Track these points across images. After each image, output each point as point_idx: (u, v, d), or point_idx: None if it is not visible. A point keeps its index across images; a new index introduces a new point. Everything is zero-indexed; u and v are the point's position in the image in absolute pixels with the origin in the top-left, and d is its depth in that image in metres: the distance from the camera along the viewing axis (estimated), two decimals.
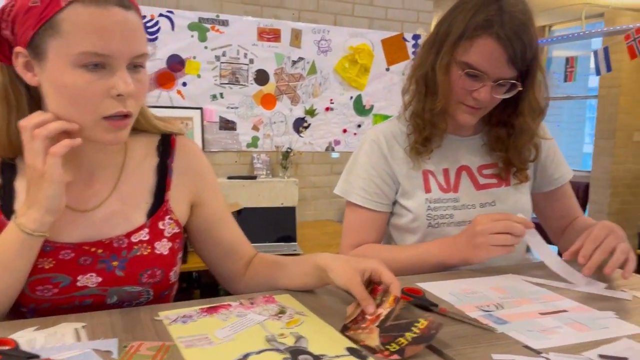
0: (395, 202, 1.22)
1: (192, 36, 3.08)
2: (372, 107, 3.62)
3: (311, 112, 3.47)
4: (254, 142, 3.33)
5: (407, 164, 1.19)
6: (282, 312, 0.84)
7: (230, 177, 3.17)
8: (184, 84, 3.11)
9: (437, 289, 0.96)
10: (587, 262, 0.98)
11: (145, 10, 2.93)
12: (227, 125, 3.25)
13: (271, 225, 2.84)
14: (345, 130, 3.58)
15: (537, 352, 0.71)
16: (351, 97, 3.57)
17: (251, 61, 3.25)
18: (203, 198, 1.00)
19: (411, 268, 1.09)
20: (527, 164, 1.21)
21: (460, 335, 0.76)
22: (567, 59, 4.89)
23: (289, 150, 3.34)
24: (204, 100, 3.16)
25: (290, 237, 2.83)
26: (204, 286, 3.17)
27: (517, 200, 1.21)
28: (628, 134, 5.04)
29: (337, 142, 3.57)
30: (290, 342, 0.73)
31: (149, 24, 2.95)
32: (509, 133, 1.18)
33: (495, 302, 0.89)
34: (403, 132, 1.21)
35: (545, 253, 1.04)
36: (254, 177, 3.21)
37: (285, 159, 3.32)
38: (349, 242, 1.22)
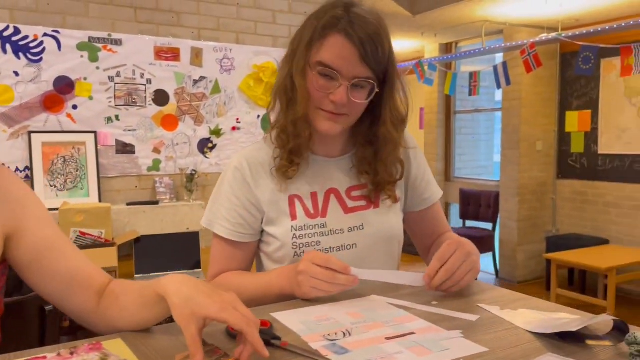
0: (262, 231, 1.16)
1: (81, 56, 2.92)
2: None
3: (217, 132, 3.38)
4: (156, 166, 3.19)
5: (273, 190, 1.13)
6: None
7: (129, 204, 3.01)
8: (75, 107, 2.93)
9: (289, 318, 0.91)
10: (431, 281, 1.00)
11: (27, 30, 2.74)
12: (125, 148, 3.09)
13: (174, 253, 2.71)
14: None
15: None
16: (258, 116, 3.51)
17: (149, 81, 3.12)
18: (22, 227, 0.89)
19: (260, 297, 1.03)
20: (395, 181, 1.19)
21: None
22: (471, 74, 5.10)
23: (194, 172, 3.23)
24: (98, 123, 3.00)
25: (194, 264, 2.71)
26: None
27: (386, 222, 1.18)
28: (531, 144, 5.30)
29: None
30: None
31: (32, 45, 2.76)
32: (375, 151, 1.16)
33: (345, 329, 0.85)
34: (269, 156, 1.15)
35: (378, 275, 1.03)
36: (156, 202, 3.06)
37: (190, 182, 3.20)
38: (211, 272, 1.16)
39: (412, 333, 0.84)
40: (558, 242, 4.87)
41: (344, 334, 0.83)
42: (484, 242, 5.08)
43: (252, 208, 1.13)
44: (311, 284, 0.96)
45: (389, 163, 1.16)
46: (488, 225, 5.36)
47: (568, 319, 0.87)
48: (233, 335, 0.82)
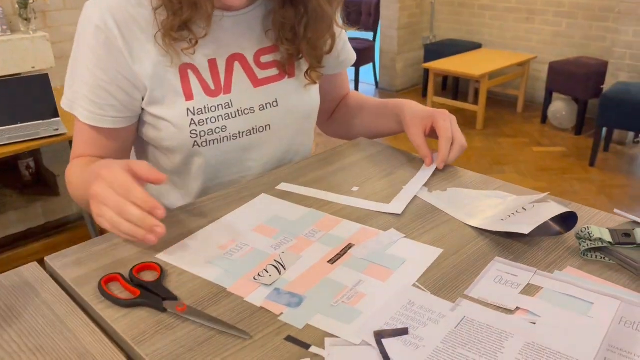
0: (143, 111, 0.88)
1: None
2: None
3: None
4: None
5: (156, 58, 0.83)
6: None
7: None
8: None
9: (185, 255, 0.68)
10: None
11: None
12: None
13: (21, 100, 2.25)
14: None
15: (305, 346, 0.53)
16: None
17: None
18: None
19: (83, 195, 0.78)
20: (322, 60, 0.94)
21: (192, 347, 0.54)
22: None
23: None
24: None
25: (51, 112, 2.30)
26: None
27: (304, 95, 0.96)
28: None
29: None
30: None
31: None
32: (299, 18, 0.88)
33: (272, 260, 0.67)
34: (146, 8, 0.82)
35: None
36: None
37: (24, 8, 2.57)
38: (71, 157, 0.90)
39: (350, 245, 0.70)
40: (435, 49, 4.90)
41: (277, 268, 0.65)
42: (365, 54, 4.97)
43: (128, 84, 0.83)
44: (100, 213, 0.66)
45: (320, 42, 0.91)
46: (369, 35, 5.21)
47: (508, 204, 0.78)
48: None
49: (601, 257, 0.66)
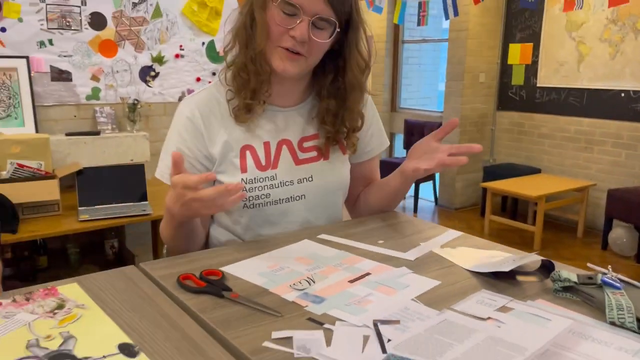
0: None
1: None
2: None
3: (159, 60, 3.24)
4: (95, 94, 3.04)
5: (226, 141, 1.12)
6: (60, 306, 0.76)
7: (69, 134, 2.89)
8: (3, 30, 2.71)
9: (242, 269, 0.91)
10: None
11: None
12: (61, 75, 2.92)
13: (119, 185, 2.66)
14: (199, 79, 3.40)
15: (320, 324, 0.72)
16: (203, 43, 3.38)
17: (83, 2, 2.91)
18: None
19: (167, 223, 1.08)
20: (358, 129, 1.21)
21: (240, 318, 0.74)
22: (420, 4, 5.05)
23: (137, 101, 3.11)
24: (30, 48, 2.80)
25: (140, 196, 2.68)
26: (52, 252, 2.93)
27: (335, 173, 1.21)
28: (474, 76, 5.40)
29: (191, 92, 3.38)
30: (55, 344, 0.66)
31: None
32: (338, 103, 1.16)
33: (305, 277, 0.88)
34: (221, 103, 1.14)
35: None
36: (97, 133, 2.96)
37: (132, 112, 3.09)
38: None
39: (368, 274, 0.90)
40: (494, 171, 5.11)
41: (308, 282, 0.86)
42: None
43: (205, 160, 1.13)
44: (177, 193, 0.94)
45: (356, 111, 1.18)
46: None
47: (501, 258, 0.95)
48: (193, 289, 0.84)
49: (570, 296, 0.82)
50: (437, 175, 5.60)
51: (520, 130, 5.37)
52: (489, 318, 0.74)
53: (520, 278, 0.89)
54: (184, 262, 0.94)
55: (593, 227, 4.75)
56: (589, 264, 0.88)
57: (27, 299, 0.79)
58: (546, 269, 0.89)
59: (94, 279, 0.87)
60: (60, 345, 0.66)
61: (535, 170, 5.12)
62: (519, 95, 5.37)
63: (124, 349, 0.66)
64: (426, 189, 5.66)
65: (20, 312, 0.75)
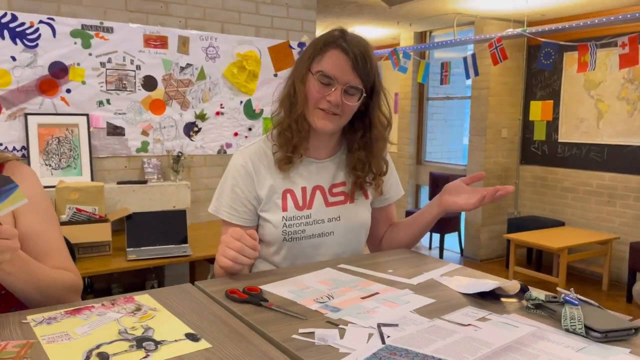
0: (259, 216, 1.41)
1: (75, 43, 3.08)
2: (261, 111, 3.80)
3: (202, 117, 3.58)
4: (144, 147, 3.39)
5: (271, 185, 1.37)
6: (138, 309, 1.00)
7: (119, 182, 3.21)
8: (68, 91, 3.10)
9: (277, 288, 1.13)
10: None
11: (24, 17, 2.90)
12: (116, 130, 3.28)
13: (163, 228, 2.93)
14: (236, 134, 3.73)
15: (336, 325, 0.94)
16: (241, 102, 3.72)
17: (138, 67, 3.30)
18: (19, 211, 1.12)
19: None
20: (384, 174, 1.45)
21: (274, 319, 0.97)
22: (442, 64, 5.37)
23: (180, 154, 3.44)
24: (90, 106, 3.18)
25: (181, 239, 2.94)
26: (98, 291, 3.20)
27: (359, 214, 1.44)
28: (497, 131, 5.63)
29: (229, 145, 3.71)
30: (139, 332, 0.89)
31: (28, 31, 2.91)
32: (367, 153, 1.41)
33: (326, 294, 1.10)
34: (268, 155, 1.39)
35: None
36: (144, 182, 3.27)
37: (176, 163, 3.41)
38: None
39: (377, 293, 1.11)
40: (518, 224, 5.23)
41: (329, 297, 1.08)
42: (450, 223, 5.42)
43: (253, 200, 1.38)
44: (222, 252, 1.17)
45: (380, 158, 1.43)
46: None
47: (489, 283, 1.15)
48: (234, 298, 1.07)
49: (538, 312, 1.01)
50: (463, 227, 5.74)
51: (544, 183, 5.51)
52: (469, 324, 0.95)
53: (503, 300, 1.09)
54: (230, 281, 1.17)
55: (618, 280, 4.79)
56: (557, 288, 1.07)
57: (113, 304, 1.03)
58: (524, 292, 1.08)
59: (160, 292, 1.10)
60: (143, 333, 0.89)
61: (559, 223, 5.22)
62: (541, 150, 5.55)
63: (189, 336, 0.88)
64: (452, 240, 5.79)
65: (109, 312, 0.99)
